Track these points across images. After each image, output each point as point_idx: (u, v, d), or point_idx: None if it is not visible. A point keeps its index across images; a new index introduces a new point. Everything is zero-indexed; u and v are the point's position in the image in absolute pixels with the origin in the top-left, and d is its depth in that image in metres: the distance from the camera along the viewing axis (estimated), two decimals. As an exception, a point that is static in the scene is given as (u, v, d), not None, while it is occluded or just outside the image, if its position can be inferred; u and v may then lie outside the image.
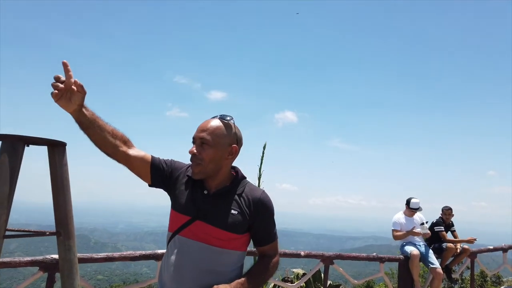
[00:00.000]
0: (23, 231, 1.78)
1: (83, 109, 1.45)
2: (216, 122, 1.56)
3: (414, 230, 5.37)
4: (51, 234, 1.80)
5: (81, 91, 1.41)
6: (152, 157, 1.62)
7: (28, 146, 1.76)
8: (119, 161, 1.56)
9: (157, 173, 1.61)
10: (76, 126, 1.51)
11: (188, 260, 1.51)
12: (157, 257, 3.68)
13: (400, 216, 5.61)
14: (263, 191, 1.63)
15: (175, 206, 1.60)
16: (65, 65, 1.39)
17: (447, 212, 6.03)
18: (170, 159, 1.68)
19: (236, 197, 1.58)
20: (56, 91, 1.37)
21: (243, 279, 1.52)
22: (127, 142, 1.57)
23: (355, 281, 5.07)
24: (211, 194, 1.57)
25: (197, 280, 1.50)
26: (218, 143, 1.53)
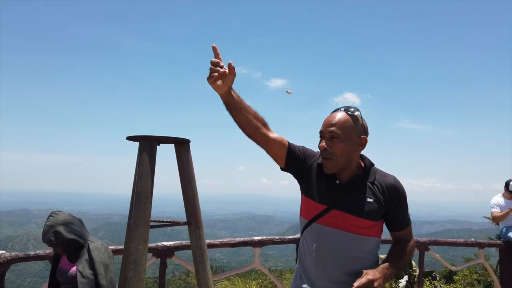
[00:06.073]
0: (160, 221, 1.97)
1: (231, 91, 1.53)
2: (343, 115, 1.57)
3: None
4: (184, 224, 1.97)
5: (233, 73, 1.48)
6: (289, 142, 1.67)
7: (159, 145, 1.93)
8: (258, 142, 1.62)
9: (292, 158, 1.66)
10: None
11: (330, 248, 1.57)
12: (254, 244, 3.82)
13: (498, 199, 5.25)
14: (395, 177, 1.63)
15: (307, 193, 1.65)
16: (215, 49, 1.48)
17: None
18: (302, 146, 1.72)
19: (369, 184, 1.60)
20: (215, 74, 1.45)
21: (387, 263, 1.55)
22: (266, 125, 1.63)
23: (453, 267, 4.85)
24: (344, 183, 1.60)
25: (340, 266, 1.56)
26: (348, 136, 1.55)
